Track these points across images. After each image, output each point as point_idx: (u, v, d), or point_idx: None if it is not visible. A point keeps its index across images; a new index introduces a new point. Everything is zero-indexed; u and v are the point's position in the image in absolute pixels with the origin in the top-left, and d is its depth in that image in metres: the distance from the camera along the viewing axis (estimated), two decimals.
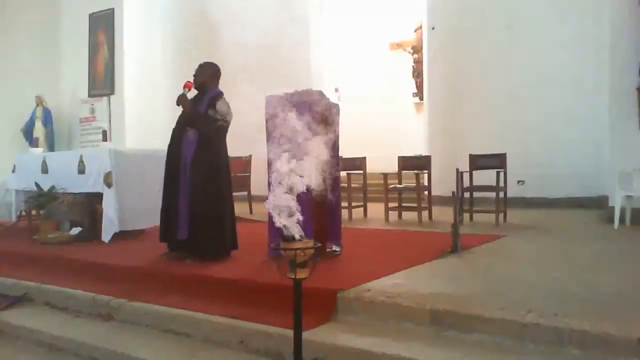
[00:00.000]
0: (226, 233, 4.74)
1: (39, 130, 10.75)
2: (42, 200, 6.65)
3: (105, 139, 8.23)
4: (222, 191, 4.72)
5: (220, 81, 4.98)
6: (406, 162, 7.61)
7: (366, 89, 12.54)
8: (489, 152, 6.95)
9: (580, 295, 3.25)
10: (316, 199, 4.13)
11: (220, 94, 4.82)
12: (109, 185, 5.91)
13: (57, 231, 6.32)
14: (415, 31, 11.73)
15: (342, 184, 6.33)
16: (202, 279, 4.11)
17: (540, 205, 7.91)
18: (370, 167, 8.00)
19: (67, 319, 4.22)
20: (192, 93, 4.93)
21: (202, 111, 4.75)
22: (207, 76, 4.88)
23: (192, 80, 4.87)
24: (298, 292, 2.71)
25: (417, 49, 11.82)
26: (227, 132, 4.82)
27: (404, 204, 7.39)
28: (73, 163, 6.37)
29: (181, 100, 4.78)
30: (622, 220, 6.02)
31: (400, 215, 7.35)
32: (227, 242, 4.75)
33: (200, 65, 4.95)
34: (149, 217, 5.47)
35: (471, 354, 2.74)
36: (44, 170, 6.86)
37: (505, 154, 6.77)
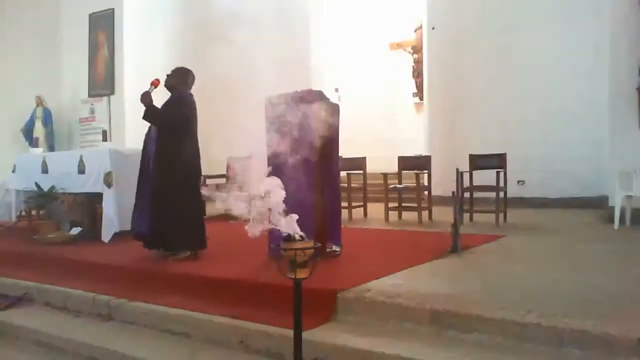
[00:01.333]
0: (184, 229, 4.75)
1: (39, 130, 10.75)
2: (42, 200, 6.65)
3: (105, 139, 8.24)
4: (179, 186, 4.71)
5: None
6: (406, 162, 7.61)
7: (366, 89, 12.53)
8: (489, 152, 6.95)
9: (580, 295, 3.25)
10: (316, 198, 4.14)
11: (176, 98, 4.88)
12: (109, 185, 5.91)
13: (57, 231, 6.32)
14: (415, 31, 11.73)
15: (342, 184, 6.33)
16: (202, 279, 4.11)
17: (540, 205, 7.91)
18: (370, 167, 8.00)
19: (67, 319, 4.23)
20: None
21: (160, 110, 4.85)
22: (177, 80, 4.94)
23: (163, 79, 4.96)
24: (298, 292, 2.71)
25: (417, 49, 11.82)
26: (188, 127, 4.82)
27: (404, 204, 7.39)
28: (73, 163, 6.38)
29: (143, 97, 4.84)
30: (622, 220, 6.01)
31: (400, 215, 7.35)
32: (184, 238, 4.77)
33: (174, 69, 5.02)
34: None
35: (471, 354, 2.73)
36: (44, 170, 6.86)
37: (505, 154, 6.77)
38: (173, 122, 4.79)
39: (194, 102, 4.92)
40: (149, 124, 5.02)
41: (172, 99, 4.90)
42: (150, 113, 4.85)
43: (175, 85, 4.93)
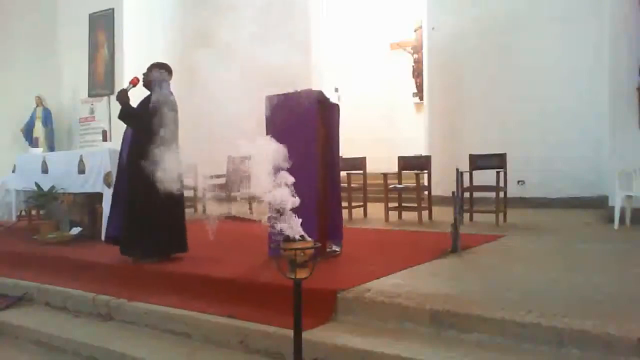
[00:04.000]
0: (153, 233, 4.67)
1: (39, 130, 10.76)
2: (42, 200, 6.65)
3: (105, 139, 8.23)
4: (149, 189, 4.43)
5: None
6: (406, 162, 7.60)
7: (366, 89, 12.53)
8: (489, 152, 6.95)
9: (580, 295, 3.25)
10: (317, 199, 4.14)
11: (159, 103, 4.72)
12: (109, 185, 5.91)
13: (57, 231, 6.32)
14: (415, 31, 11.73)
15: (342, 184, 6.33)
16: (202, 279, 4.11)
17: (540, 205, 7.91)
18: (370, 167, 8.00)
19: (66, 319, 4.23)
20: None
21: (136, 109, 4.78)
22: (155, 76, 4.84)
23: (141, 77, 4.90)
24: (298, 292, 2.71)
25: (417, 49, 11.82)
26: (169, 130, 4.63)
27: (404, 204, 7.39)
28: (73, 163, 6.38)
29: (120, 96, 4.80)
30: (622, 220, 6.01)
31: (400, 215, 7.35)
32: (150, 242, 4.68)
33: (150, 66, 4.91)
34: None
35: (471, 354, 2.73)
36: (44, 170, 6.86)
37: (505, 154, 6.77)
38: (153, 130, 4.49)
39: (175, 103, 4.78)
40: None
41: (155, 104, 4.67)
42: (127, 114, 4.77)
43: (154, 82, 4.82)
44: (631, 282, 3.55)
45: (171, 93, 4.85)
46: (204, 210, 8.25)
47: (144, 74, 4.88)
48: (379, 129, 12.03)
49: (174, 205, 4.72)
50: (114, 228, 4.94)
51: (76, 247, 5.72)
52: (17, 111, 10.68)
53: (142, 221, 4.65)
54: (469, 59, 8.74)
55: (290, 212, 2.68)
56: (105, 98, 10.48)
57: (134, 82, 4.87)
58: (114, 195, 5.01)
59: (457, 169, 6.56)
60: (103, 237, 5.86)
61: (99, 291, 4.30)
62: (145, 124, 4.62)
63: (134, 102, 4.90)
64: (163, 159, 4.39)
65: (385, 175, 7.39)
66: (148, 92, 4.89)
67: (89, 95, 10.80)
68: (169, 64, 4.97)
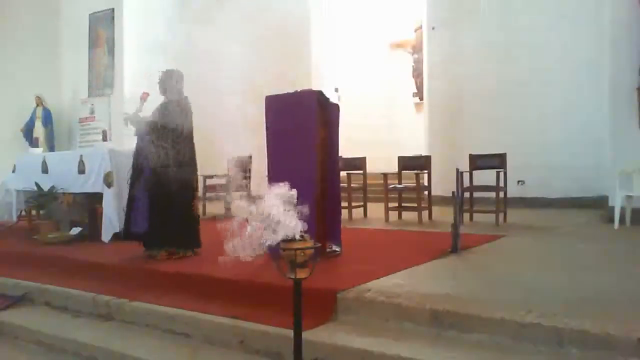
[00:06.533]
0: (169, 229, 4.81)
1: (39, 131, 10.76)
2: (42, 200, 6.66)
3: (105, 139, 8.25)
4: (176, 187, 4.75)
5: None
6: (406, 162, 7.60)
7: (366, 89, 12.53)
8: (489, 152, 6.95)
9: (580, 295, 3.25)
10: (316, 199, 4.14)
11: (162, 105, 4.87)
12: (109, 185, 5.92)
13: (57, 231, 6.32)
14: (415, 31, 11.73)
15: (342, 184, 6.33)
16: (202, 279, 4.11)
17: (540, 205, 7.91)
18: (370, 167, 8.00)
19: (67, 319, 4.23)
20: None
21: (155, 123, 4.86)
22: (169, 84, 4.90)
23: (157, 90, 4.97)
24: (298, 292, 2.71)
25: (417, 49, 11.82)
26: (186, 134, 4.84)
27: (404, 204, 7.39)
28: (73, 163, 6.38)
29: (133, 121, 4.95)
30: (622, 220, 6.01)
31: (400, 215, 7.35)
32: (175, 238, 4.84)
33: (161, 77, 4.97)
34: None
35: (471, 354, 2.74)
36: (44, 170, 6.87)
37: (505, 154, 6.77)
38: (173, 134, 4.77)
39: (189, 107, 4.86)
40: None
41: (176, 124, 4.78)
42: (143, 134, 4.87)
43: (164, 90, 4.90)
44: (631, 282, 3.55)
45: (187, 99, 4.92)
46: (204, 211, 8.28)
47: (159, 82, 4.93)
48: (379, 129, 12.04)
49: (190, 201, 4.93)
50: (138, 226, 4.98)
51: (76, 247, 5.72)
52: (17, 111, 10.68)
53: (172, 217, 4.79)
54: (468, 59, 8.73)
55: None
56: (105, 98, 10.48)
57: (144, 98, 4.94)
58: (135, 195, 5.02)
59: (457, 169, 6.55)
60: (104, 237, 5.89)
61: (99, 291, 4.30)
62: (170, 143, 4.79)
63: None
64: (184, 158, 4.73)
65: (385, 175, 7.38)
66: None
67: (89, 95, 10.80)
68: (175, 70, 5.03)
